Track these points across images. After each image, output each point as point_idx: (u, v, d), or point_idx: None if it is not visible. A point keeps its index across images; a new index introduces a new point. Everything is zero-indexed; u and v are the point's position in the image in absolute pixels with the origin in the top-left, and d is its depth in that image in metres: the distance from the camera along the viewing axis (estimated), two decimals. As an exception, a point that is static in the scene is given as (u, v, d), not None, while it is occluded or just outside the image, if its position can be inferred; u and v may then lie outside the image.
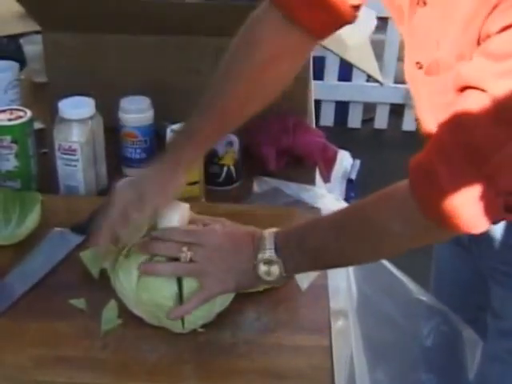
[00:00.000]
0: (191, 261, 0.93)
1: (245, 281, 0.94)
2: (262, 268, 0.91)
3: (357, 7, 1.00)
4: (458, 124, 0.78)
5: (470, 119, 0.76)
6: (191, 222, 0.99)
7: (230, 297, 0.98)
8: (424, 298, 1.22)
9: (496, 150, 0.76)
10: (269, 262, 0.91)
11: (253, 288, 0.96)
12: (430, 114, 0.93)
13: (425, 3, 0.87)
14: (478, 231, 0.82)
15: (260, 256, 0.91)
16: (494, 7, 0.74)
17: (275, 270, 0.91)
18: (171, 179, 0.98)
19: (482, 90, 0.75)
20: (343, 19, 1.01)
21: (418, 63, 0.91)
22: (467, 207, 0.79)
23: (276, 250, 0.91)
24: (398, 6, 0.93)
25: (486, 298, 1.11)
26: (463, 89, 0.78)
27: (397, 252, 0.92)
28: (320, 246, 0.91)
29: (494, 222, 0.83)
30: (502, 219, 0.88)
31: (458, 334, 1.16)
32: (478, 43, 0.78)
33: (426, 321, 1.22)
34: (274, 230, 0.94)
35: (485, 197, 0.78)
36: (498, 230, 1.02)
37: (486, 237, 1.03)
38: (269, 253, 0.91)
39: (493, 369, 1.11)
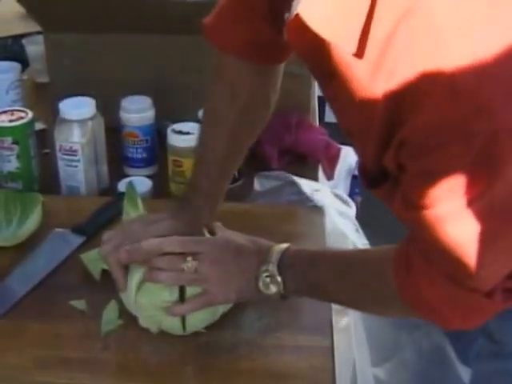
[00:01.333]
0: (195, 270, 0.92)
1: (246, 292, 0.93)
2: (263, 281, 0.90)
3: None
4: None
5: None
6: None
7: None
8: None
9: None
10: (270, 277, 0.90)
11: (254, 299, 0.95)
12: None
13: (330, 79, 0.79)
14: (469, 328, 0.80)
15: (263, 268, 0.90)
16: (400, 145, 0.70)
17: (274, 285, 0.90)
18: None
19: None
20: None
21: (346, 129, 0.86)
22: (449, 312, 0.77)
23: (279, 266, 0.90)
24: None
25: None
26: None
27: (384, 316, 1.01)
28: (320, 281, 0.90)
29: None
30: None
31: (440, 349, 1.15)
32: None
33: (408, 333, 1.21)
34: (284, 245, 0.92)
35: (471, 300, 0.76)
36: None
37: None
38: (271, 267, 0.90)
39: None
